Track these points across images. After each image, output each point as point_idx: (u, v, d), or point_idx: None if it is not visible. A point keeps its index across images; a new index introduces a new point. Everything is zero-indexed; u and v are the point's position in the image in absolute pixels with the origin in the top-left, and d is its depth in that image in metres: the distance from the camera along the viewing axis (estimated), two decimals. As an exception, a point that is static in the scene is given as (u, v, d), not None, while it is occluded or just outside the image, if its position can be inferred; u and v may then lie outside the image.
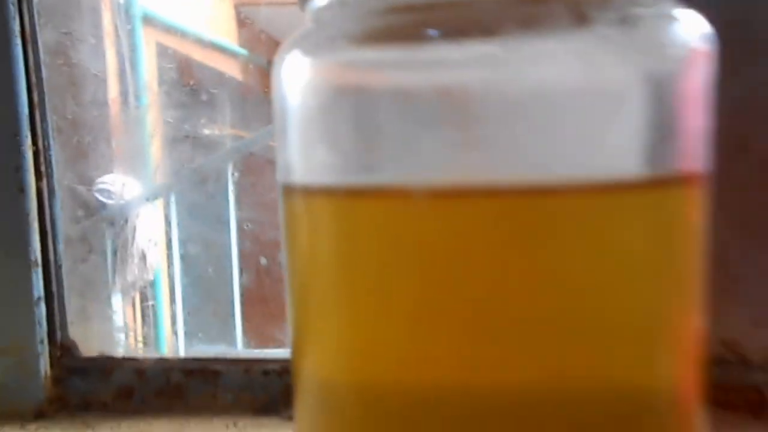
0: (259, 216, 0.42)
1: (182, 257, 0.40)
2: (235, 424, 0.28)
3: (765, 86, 0.25)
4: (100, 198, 0.32)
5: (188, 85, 0.43)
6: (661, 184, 0.14)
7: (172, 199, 0.41)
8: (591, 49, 0.11)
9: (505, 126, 0.13)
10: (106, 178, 0.32)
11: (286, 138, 0.15)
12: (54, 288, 0.29)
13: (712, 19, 0.18)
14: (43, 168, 0.29)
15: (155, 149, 0.38)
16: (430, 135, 0.13)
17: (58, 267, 0.29)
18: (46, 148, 0.29)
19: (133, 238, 0.34)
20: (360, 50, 0.14)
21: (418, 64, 0.13)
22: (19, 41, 0.28)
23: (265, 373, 0.29)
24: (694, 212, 0.14)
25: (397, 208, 0.13)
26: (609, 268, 0.14)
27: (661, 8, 0.13)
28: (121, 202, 0.34)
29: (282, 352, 0.30)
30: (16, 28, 0.27)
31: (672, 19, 0.13)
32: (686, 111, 0.13)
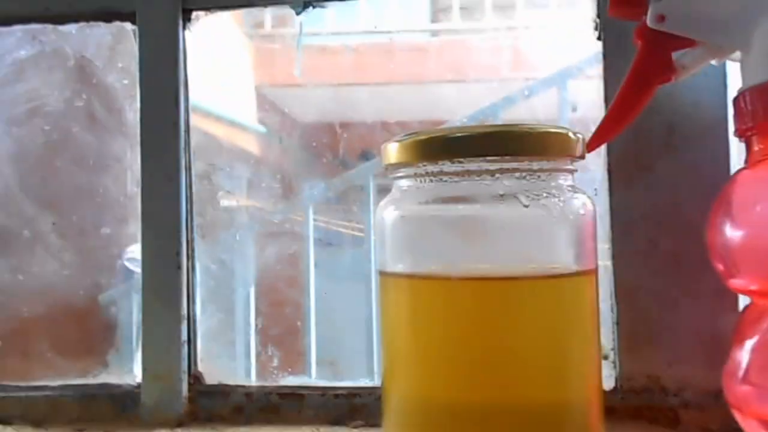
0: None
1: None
2: (317, 430, 0.40)
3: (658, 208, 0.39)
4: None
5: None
6: (581, 274, 0.28)
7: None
8: (525, 213, 0.25)
9: (494, 243, 0.26)
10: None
11: (384, 247, 0.28)
12: (192, 335, 0.42)
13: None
14: (190, 252, 0.43)
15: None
16: (455, 246, 0.27)
17: (195, 320, 0.43)
18: (193, 240, 0.43)
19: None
20: (421, 206, 0.28)
21: (451, 211, 0.27)
22: (184, 171, 0.42)
23: (336, 396, 0.41)
24: (593, 289, 0.28)
25: (441, 286, 0.27)
26: (551, 326, 0.26)
27: (566, 196, 0.27)
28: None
29: (347, 383, 0.42)
30: (183, 162, 0.42)
31: (572, 199, 0.27)
32: (586, 239, 0.27)
